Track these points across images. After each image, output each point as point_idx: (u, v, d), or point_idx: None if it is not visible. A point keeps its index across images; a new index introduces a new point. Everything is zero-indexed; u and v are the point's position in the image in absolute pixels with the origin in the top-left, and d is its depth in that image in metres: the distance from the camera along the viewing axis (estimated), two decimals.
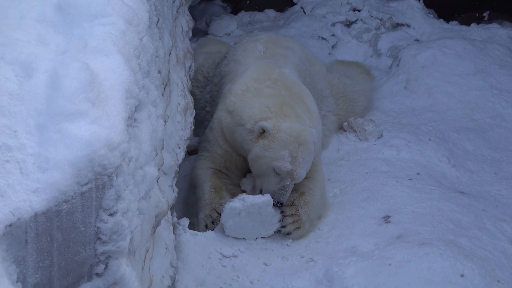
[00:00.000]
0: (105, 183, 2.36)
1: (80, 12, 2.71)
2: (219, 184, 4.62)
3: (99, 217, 2.38)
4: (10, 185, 2.16)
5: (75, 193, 2.27)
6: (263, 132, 4.37)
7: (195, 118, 4.86)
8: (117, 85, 2.56)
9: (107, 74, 2.54)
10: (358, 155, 5.40)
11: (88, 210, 2.34)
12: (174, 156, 3.99)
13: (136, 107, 2.74)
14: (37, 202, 2.18)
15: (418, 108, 6.30)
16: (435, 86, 6.45)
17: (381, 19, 8.17)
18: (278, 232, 4.37)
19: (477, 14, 8.56)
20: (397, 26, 8.13)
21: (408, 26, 8.11)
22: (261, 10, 8.78)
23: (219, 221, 4.34)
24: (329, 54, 7.70)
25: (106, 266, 2.45)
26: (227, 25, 8.10)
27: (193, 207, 4.62)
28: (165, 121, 3.40)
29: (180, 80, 4.60)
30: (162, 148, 3.41)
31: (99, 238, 2.40)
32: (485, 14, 8.56)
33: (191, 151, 5.21)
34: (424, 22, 8.13)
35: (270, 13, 8.78)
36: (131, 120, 2.65)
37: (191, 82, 5.20)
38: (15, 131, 2.27)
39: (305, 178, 4.57)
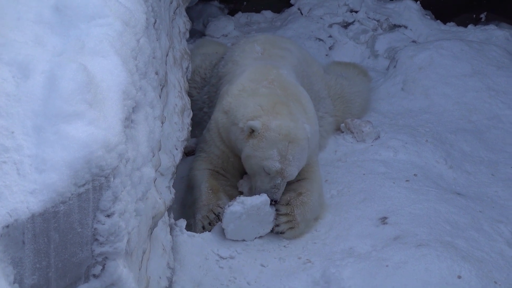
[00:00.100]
0: (102, 184, 2.36)
1: (77, 13, 2.71)
2: (216, 185, 4.61)
3: (96, 218, 2.38)
4: (7, 186, 2.16)
5: (72, 194, 2.27)
6: (252, 131, 4.37)
7: (192, 119, 4.85)
8: (114, 86, 2.56)
9: (104, 75, 2.54)
10: (355, 156, 5.40)
11: (85, 211, 2.34)
12: (171, 157, 3.99)
13: (133, 108, 2.74)
14: (34, 203, 2.18)
15: (415, 109, 6.30)
16: (432, 87, 6.45)
17: (378, 20, 8.16)
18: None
19: (474, 16, 8.57)
20: (394, 27, 8.12)
21: (405, 27, 8.11)
22: (258, 11, 8.78)
23: (216, 222, 4.34)
24: (326, 55, 7.69)
25: (103, 267, 2.45)
26: (224, 26, 8.10)
27: (190, 208, 4.61)
28: (162, 122, 3.40)
29: (177, 81, 4.60)
30: (159, 149, 3.40)
31: (96, 239, 2.39)
32: (482, 16, 8.57)
33: (188, 152, 5.21)
34: (421, 24, 8.14)
35: (267, 14, 8.77)
36: (128, 121, 2.64)
37: (188, 83, 5.19)
38: (12, 132, 2.27)
39: (303, 179, 4.57)
